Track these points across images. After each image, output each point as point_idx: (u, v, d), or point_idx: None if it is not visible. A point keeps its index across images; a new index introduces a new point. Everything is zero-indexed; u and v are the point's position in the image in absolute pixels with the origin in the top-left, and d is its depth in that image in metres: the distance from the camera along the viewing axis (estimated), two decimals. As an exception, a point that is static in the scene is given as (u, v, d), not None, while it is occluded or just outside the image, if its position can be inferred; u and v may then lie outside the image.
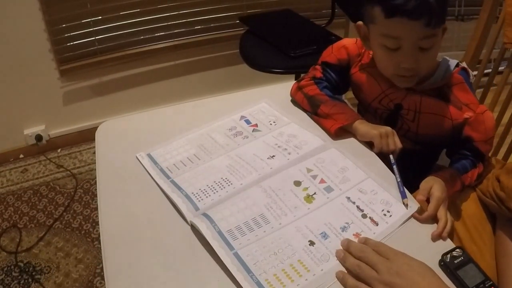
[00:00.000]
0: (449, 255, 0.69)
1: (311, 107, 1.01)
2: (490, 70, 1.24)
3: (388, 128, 0.92)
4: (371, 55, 0.99)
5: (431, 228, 0.76)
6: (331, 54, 1.06)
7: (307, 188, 0.83)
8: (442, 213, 0.77)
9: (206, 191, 0.82)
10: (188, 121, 1.01)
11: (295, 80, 1.76)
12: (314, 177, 0.85)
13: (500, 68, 1.22)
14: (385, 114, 1.02)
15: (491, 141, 0.94)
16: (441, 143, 1.01)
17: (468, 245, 0.83)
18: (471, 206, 0.88)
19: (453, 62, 0.95)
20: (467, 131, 0.93)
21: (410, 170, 0.87)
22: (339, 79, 1.06)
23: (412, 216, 0.78)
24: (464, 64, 0.95)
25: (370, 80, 1.01)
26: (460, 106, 0.92)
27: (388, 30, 0.85)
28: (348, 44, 1.04)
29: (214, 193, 0.82)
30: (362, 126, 0.93)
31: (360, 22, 0.92)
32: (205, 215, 0.76)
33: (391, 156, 0.88)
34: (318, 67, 1.07)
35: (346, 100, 1.06)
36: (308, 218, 0.77)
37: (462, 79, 0.93)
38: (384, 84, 0.98)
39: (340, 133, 0.95)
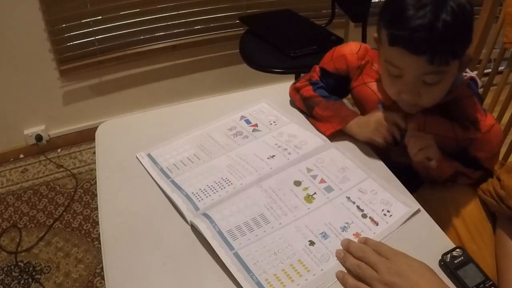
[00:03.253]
0: (449, 255, 0.69)
1: (306, 109, 1.00)
2: (490, 70, 1.24)
3: (379, 116, 0.88)
4: (374, 68, 0.95)
5: (431, 228, 0.77)
6: (330, 61, 1.02)
7: (307, 188, 0.83)
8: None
9: (206, 191, 0.82)
10: (188, 121, 1.01)
11: (295, 80, 1.76)
12: (314, 177, 0.85)
13: (500, 68, 1.22)
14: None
15: (497, 157, 0.91)
16: None
17: (468, 245, 0.83)
18: (471, 206, 0.88)
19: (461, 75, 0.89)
20: (473, 151, 0.89)
21: (409, 184, 0.85)
22: (336, 87, 1.02)
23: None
24: (472, 74, 0.90)
25: (371, 96, 0.95)
26: (467, 125, 0.87)
27: (390, 57, 0.80)
28: (348, 54, 0.98)
29: (214, 193, 0.82)
30: (354, 128, 0.91)
31: (375, 35, 0.86)
32: (205, 215, 0.76)
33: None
34: (317, 69, 1.05)
35: (346, 100, 1.04)
36: (308, 218, 0.77)
37: (471, 92, 0.87)
38: (386, 101, 0.93)
39: (337, 135, 0.94)
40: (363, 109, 1.00)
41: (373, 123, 0.90)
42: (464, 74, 0.89)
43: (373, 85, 0.95)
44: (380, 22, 0.81)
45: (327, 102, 0.97)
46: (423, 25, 0.72)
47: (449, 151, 0.90)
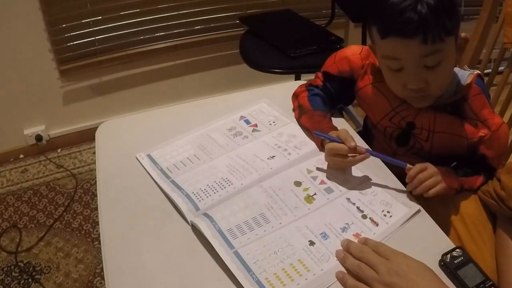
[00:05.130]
0: (449, 255, 0.69)
1: (298, 115, 0.99)
2: (490, 70, 1.24)
3: (329, 147, 0.84)
4: (377, 67, 0.92)
5: (431, 228, 0.77)
6: (333, 64, 1.00)
7: (307, 188, 0.83)
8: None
9: (206, 191, 0.82)
10: (188, 121, 1.01)
11: (295, 80, 1.76)
12: (314, 178, 0.85)
13: (500, 68, 1.22)
14: (396, 132, 0.95)
15: (504, 156, 0.90)
16: (453, 160, 0.94)
17: (468, 245, 0.83)
18: (471, 206, 0.88)
19: (465, 72, 0.89)
20: (482, 149, 0.88)
21: None
22: (340, 91, 1.00)
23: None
24: (477, 71, 0.89)
25: (378, 97, 0.93)
26: (476, 123, 0.87)
27: (386, 51, 0.80)
28: (351, 55, 0.97)
29: (215, 193, 0.82)
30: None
31: (369, 43, 0.87)
32: (206, 214, 0.76)
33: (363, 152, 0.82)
34: (319, 75, 1.02)
35: (351, 109, 1.03)
36: (308, 218, 0.77)
37: (479, 89, 0.86)
38: (394, 100, 0.91)
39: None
40: (371, 111, 0.98)
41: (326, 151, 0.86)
42: (470, 71, 0.89)
43: (379, 85, 0.93)
44: (370, 24, 0.82)
45: (314, 112, 0.95)
46: (407, 7, 0.73)
47: (459, 152, 0.89)
